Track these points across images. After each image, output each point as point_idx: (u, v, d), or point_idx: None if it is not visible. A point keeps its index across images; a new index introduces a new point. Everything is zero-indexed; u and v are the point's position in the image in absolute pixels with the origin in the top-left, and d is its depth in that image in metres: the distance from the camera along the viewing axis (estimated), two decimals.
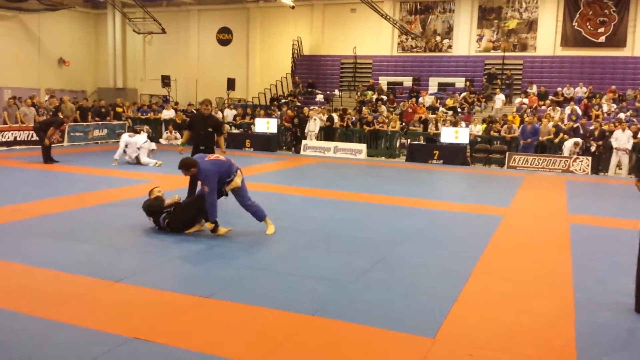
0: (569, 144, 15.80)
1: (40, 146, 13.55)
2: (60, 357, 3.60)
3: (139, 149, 13.66)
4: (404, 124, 19.07)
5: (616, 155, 15.03)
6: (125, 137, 14.01)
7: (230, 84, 24.26)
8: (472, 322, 4.45)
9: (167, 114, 20.92)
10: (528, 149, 16.28)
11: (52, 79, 25.50)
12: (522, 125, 16.90)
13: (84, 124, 19.04)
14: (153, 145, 14.09)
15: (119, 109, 21.38)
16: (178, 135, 20.08)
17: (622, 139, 14.83)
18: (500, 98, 20.69)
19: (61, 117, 15.16)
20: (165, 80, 24.58)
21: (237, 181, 6.80)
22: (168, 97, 24.55)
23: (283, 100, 23.02)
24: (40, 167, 12.81)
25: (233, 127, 20.30)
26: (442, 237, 7.40)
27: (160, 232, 6.99)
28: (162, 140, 19.97)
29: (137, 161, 13.66)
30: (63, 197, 9.22)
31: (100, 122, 19.63)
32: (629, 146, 14.80)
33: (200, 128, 8.91)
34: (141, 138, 13.92)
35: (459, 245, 6.91)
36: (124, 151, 13.72)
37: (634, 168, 4.87)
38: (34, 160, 13.68)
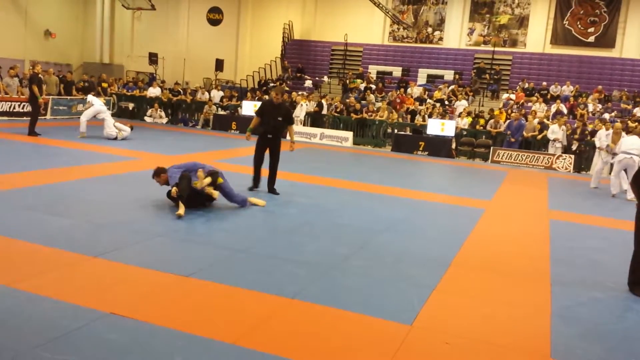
0: (555, 128, 15.95)
1: (29, 118, 13.38)
2: (35, 329, 3.56)
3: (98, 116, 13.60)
4: (393, 112, 19.03)
5: (599, 154, 15.16)
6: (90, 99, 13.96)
7: (219, 64, 24.01)
8: (449, 311, 4.49)
9: (153, 92, 20.67)
10: (512, 144, 16.40)
11: (38, 51, 24.97)
12: (508, 121, 17.00)
13: (68, 97, 18.74)
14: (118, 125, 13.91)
15: (104, 85, 21.07)
16: (163, 114, 19.90)
17: (605, 138, 14.94)
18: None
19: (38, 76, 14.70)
20: (153, 58, 24.23)
21: (200, 183, 6.88)
22: (155, 75, 24.24)
23: (271, 84, 22.85)
24: (23, 139, 12.59)
25: (219, 109, 20.15)
26: (424, 227, 7.44)
27: (141, 209, 6.93)
28: (146, 118, 19.76)
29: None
30: (44, 171, 9.08)
31: (84, 97, 19.31)
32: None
33: (271, 117, 8.64)
34: (97, 101, 13.89)
35: (440, 236, 6.95)
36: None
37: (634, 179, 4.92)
38: (16, 131, 13.45)
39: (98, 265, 4.84)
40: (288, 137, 9.15)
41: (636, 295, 5.22)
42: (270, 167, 8.75)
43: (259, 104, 18.91)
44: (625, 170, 11.30)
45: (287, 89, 21.54)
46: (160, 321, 3.81)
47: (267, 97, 20.48)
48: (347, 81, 22.99)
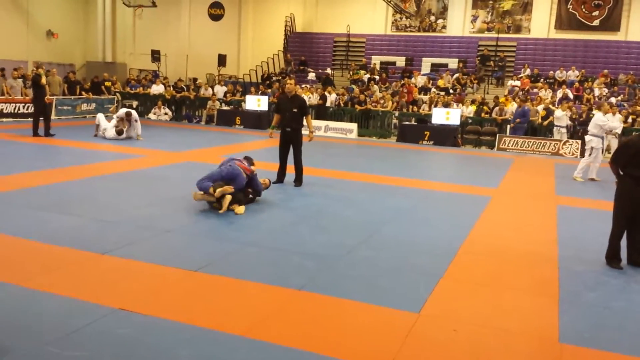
0: (559, 113, 15.88)
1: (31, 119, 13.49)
2: (45, 326, 3.59)
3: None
4: (397, 103, 18.96)
5: (606, 139, 15.07)
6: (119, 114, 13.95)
7: (221, 60, 23.98)
8: (457, 299, 4.48)
9: (157, 89, 20.69)
10: (518, 131, 16.32)
11: (41, 52, 25.01)
12: (516, 109, 16.89)
13: (72, 97, 18.80)
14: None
15: (107, 84, 21.13)
16: (168, 110, 19.92)
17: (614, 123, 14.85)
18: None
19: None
20: (155, 55, 24.24)
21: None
22: (158, 72, 24.26)
23: (274, 78, 22.82)
24: (28, 140, 12.65)
25: (223, 104, 20.14)
26: (431, 216, 7.43)
27: (148, 206, 6.95)
28: (151, 116, 19.79)
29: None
30: (50, 170, 9.13)
31: (90, 97, 19.41)
32: (619, 130, 14.84)
33: (287, 109, 8.78)
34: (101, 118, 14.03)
35: (447, 224, 6.94)
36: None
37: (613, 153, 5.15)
38: (21, 133, 13.52)
39: (106, 262, 4.87)
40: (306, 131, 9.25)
41: (613, 267, 5.45)
42: (294, 162, 8.89)
43: (262, 98, 19.06)
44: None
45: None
46: (170, 315, 3.83)
47: (269, 90, 20.52)
48: (351, 73, 22.89)
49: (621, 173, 5.62)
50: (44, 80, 13.19)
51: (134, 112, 14.02)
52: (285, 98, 9.04)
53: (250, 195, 7.31)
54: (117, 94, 20.85)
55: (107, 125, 13.56)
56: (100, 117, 13.95)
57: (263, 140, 15.61)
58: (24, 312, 3.80)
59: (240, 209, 6.83)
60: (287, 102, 8.86)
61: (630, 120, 15.79)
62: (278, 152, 8.99)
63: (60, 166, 9.59)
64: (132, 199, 7.30)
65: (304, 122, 9.05)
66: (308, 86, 20.80)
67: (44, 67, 14.58)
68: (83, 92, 19.47)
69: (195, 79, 23.67)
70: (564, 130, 15.95)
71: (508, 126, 16.43)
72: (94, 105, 19.41)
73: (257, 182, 7.43)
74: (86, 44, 27.79)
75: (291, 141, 8.84)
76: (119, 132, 13.38)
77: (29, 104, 16.65)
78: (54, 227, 5.82)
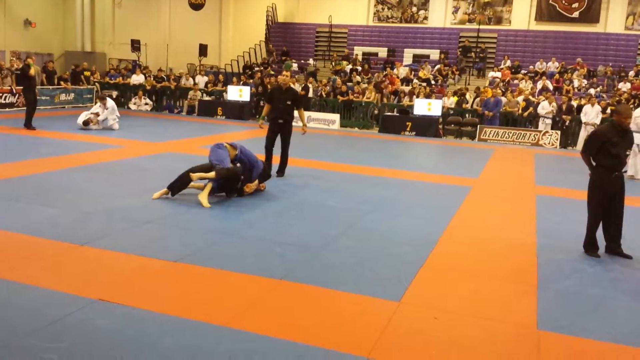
0: (545, 104, 16.08)
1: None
2: (24, 318, 3.54)
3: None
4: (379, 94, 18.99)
5: (585, 129, 15.28)
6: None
7: (202, 50, 23.74)
8: (437, 287, 4.53)
9: (137, 79, 20.44)
10: (493, 121, 16.48)
11: (18, 41, 24.52)
12: (485, 99, 17.04)
13: (50, 87, 18.49)
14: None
15: (86, 73, 20.81)
16: (148, 100, 19.70)
17: (591, 113, 15.08)
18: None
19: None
20: (135, 45, 23.90)
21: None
22: (138, 62, 23.95)
23: (256, 69, 22.69)
24: (5, 130, 12.42)
25: (204, 95, 19.98)
26: (412, 206, 7.47)
27: (127, 197, 6.89)
28: (131, 106, 19.56)
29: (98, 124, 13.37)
30: (29, 161, 8.98)
31: (68, 87, 19.10)
32: (598, 121, 15.06)
33: (279, 101, 8.72)
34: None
35: (428, 214, 6.99)
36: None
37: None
38: None
39: (85, 253, 4.82)
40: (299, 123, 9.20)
41: (590, 256, 5.57)
42: (281, 153, 8.86)
43: (244, 88, 18.93)
44: None
45: (272, 72, 21.42)
46: (150, 306, 3.81)
47: (251, 81, 20.40)
48: (333, 64, 22.85)
49: (594, 163, 5.68)
50: (32, 71, 12.90)
51: (109, 100, 13.73)
52: (278, 89, 9.00)
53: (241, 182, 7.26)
54: (96, 84, 20.55)
55: (84, 114, 13.34)
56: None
57: (245, 130, 15.54)
58: (2, 303, 3.75)
59: (204, 193, 6.70)
60: (280, 94, 8.83)
61: (609, 111, 15.99)
62: (264, 143, 8.92)
63: (38, 157, 9.43)
64: (111, 190, 7.22)
65: (295, 115, 9.02)
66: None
67: (33, 58, 14.20)
68: (62, 82, 19.16)
69: (170, 70, 23.42)
70: (549, 121, 16.13)
71: (485, 114, 16.58)
72: (72, 95, 19.12)
73: (257, 166, 7.39)
74: (65, 33, 27.30)
75: (281, 132, 8.82)
76: (85, 123, 13.14)
77: (6, 94, 16.38)
78: (33, 218, 5.74)
